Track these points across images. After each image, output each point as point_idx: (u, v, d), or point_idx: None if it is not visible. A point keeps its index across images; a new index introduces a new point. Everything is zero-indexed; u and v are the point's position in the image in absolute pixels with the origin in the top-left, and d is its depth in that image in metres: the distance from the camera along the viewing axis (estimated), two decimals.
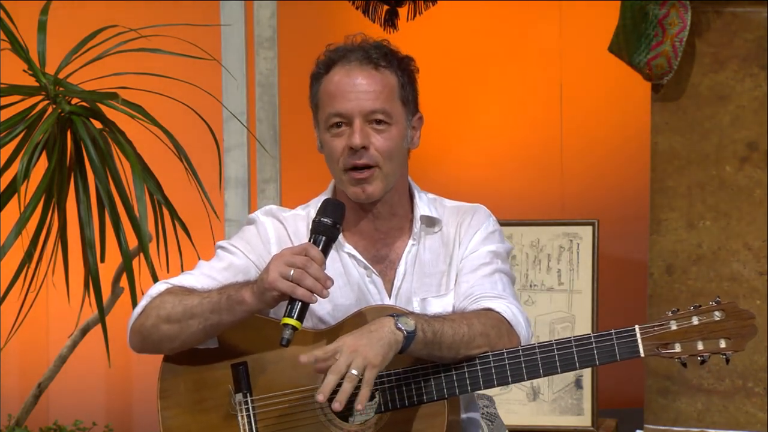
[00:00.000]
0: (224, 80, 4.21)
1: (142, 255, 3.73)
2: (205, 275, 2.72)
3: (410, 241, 2.78)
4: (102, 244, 3.84)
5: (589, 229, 4.51)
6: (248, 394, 2.64)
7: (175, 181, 3.95)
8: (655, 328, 2.56)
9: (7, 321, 3.88)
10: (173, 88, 3.81)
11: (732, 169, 4.17)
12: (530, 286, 4.54)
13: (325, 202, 2.64)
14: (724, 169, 4.18)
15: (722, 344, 2.56)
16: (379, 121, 2.70)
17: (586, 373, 4.43)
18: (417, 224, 2.78)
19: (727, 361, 2.56)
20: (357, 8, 4.35)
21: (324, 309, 2.72)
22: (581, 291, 4.49)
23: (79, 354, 4.37)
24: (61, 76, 3.82)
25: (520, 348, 2.58)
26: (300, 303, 2.51)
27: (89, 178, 3.81)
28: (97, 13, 4.62)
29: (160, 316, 2.63)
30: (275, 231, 2.78)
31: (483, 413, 2.90)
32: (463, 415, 2.75)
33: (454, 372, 2.57)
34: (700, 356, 2.56)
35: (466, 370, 2.57)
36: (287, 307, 2.51)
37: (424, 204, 2.80)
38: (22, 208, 3.64)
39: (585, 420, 4.44)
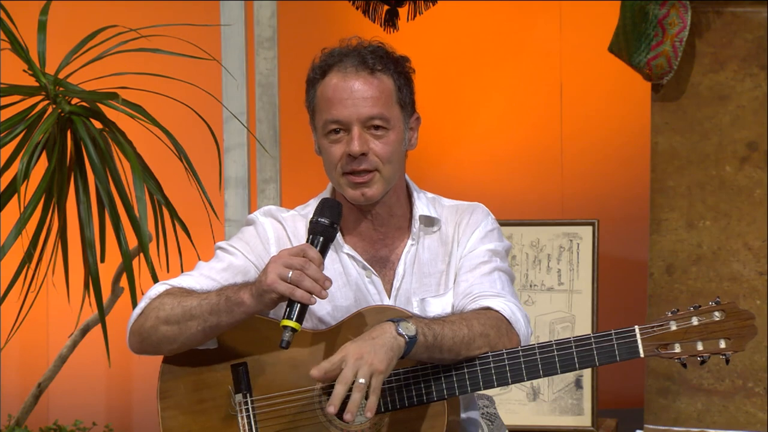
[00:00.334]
0: (224, 80, 4.20)
1: (142, 255, 3.73)
2: (205, 276, 2.72)
3: (409, 241, 2.78)
4: (102, 244, 3.83)
5: (589, 229, 4.51)
6: (248, 395, 2.64)
7: (175, 181, 3.95)
8: (655, 329, 2.56)
9: (7, 321, 3.88)
10: (173, 88, 3.81)
11: (732, 169, 4.16)
12: (530, 286, 4.53)
13: (323, 202, 2.64)
14: (724, 169, 4.17)
15: (722, 344, 2.56)
16: (377, 127, 2.69)
17: (586, 374, 4.42)
18: (416, 224, 2.78)
19: (727, 361, 2.56)
20: (357, 8, 4.34)
21: (324, 309, 2.72)
22: (581, 291, 4.48)
23: (79, 354, 4.37)
24: (61, 76, 3.82)
25: (519, 348, 2.58)
26: (299, 304, 2.51)
27: (89, 178, 3.81)
28: (97, 13, 4.63)
29: (159, 317, 2.63)
30: (274, 231, 2.78)
31: (483, 413, 2.90)
32: (463, 415, 2.75)
33: (453, 373, 2.57)
34: (699, 357, 2.55)
35: (465, 370, 2.57)
36: (286, 309, 2.51)
37: (423, 204, 2.80)
38: (22, 208, 3.64)
39: (585, 420, 4.44)
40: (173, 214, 3.81)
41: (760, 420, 4.11)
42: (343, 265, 2.76)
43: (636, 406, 4.45)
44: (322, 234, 2.59)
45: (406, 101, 2.74)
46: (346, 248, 2.76)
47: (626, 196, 5.11)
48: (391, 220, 2.78)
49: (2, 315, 3.96)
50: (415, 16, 4.34)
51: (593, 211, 4.86)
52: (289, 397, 2.62)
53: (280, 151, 4.26)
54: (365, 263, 2.76)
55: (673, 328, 2.56)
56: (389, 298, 2.75)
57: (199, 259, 2.82)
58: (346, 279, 2.75)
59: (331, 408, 2.42)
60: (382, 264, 2.77)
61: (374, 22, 4.33)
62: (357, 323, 2.62)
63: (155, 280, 3.63)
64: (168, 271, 3.80)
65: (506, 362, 2.57)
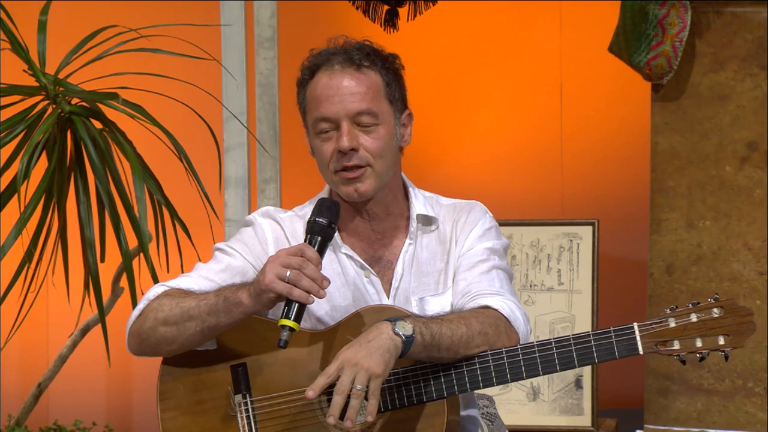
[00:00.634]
0: (224, 80, 4.21)
1: (142, 255, 3.73)
2: (203, 277, 2.72)
3: (407, 241, 2.78)
4: (102, 244, 3.84)
5: (589, 229, 4.51)
6: (247, 395, 2.64)
7: (175, 181, 3.95)
8: (654, 326, 2.56)
9: (7, 321, 3.89)
10: (173, 88, 3.82)
11: (732, 169, 4.16)
12: (530, 286, 4.53)
13: (320, 202, 2.64)
14: (724, 169, 4.17)
15: (721, 341, 2.56)
16: (366, 122, 2.70)
17: (586, 373, 4.42)
18: (413, 223, 2.78)
19: (726, 357, 2.56)
20: (357, 8, 4.34)
21: (322, 309, 2.72)
22: (581, 291, 4.48)
23: (79, 354, 4.37)
24: (61, 76, 3.82)
25: (519, 347, 2.58)
26: (297, 304, 2.50)
27: (89, 178, 3.81)
28: (97, 13, 4.63)
29: (158, 318, 2.63)
30: (272, 232, 2.79)
31: (483, 413, 2.90)
32: (462, 413, 2.75)
33: (453, 371, 2.57)
34: (699, 353, 2.55)
35: (465, 369, 2.57)
36: (284, 309, 2.51)
37: (420, 203, 2.80)
38: (22, 208, 3.64)
39: (585, 420, 4.43)
40: (173, 214, 3.81)
41: (760, 420, 4.10)
42: (341, 265, 2.76)
43: (636, 406, 4.45)
44: (320, 234, 2.59)
45: (396, 96, 2.75)
46: (345, 248, 2.76)
47: (626, 196, 5.11)
48: (388, 218, 2.78)
49: (2, 315, 3.96)
50: (415, 16, 4.34)
51: (593, 211, 4.86)
52: (289, 397, 2.62)
53: (280, 151, 4.26)
54: (363, 263, 2.76)
55: (672, 324, 2.56)
56: (388, 297, 2.75)
57: (199, 259, 2.82)
58: (344, 279, 2.75)
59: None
60: (381, 264, 2.77)
61: (374, 22, 4.34)
62: (355, 323, 2.62)
63: (155, 280, 3.64)
64: (168, 271, 3.80)
65: (505, 360, 2.57)
